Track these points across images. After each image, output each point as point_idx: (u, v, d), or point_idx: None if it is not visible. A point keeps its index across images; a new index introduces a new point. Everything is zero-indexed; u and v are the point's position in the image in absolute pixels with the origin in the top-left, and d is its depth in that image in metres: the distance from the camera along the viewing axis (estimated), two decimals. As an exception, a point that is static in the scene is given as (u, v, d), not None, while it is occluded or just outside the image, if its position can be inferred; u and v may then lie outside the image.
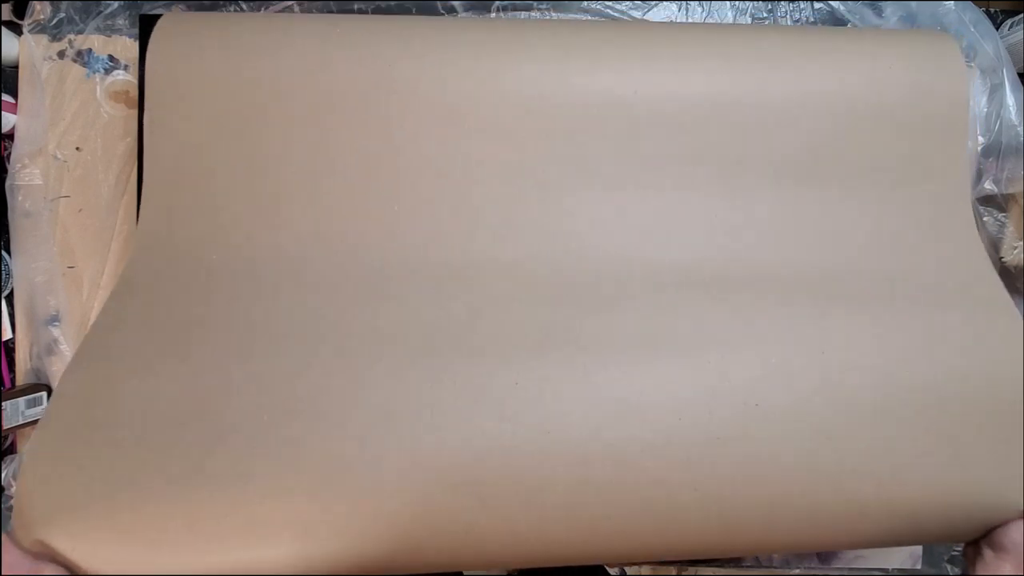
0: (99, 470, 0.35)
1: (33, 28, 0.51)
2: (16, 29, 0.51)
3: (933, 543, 0.54)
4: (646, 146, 0.46)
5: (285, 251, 0.45)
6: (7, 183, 0.50)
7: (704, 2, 0.54)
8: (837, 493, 0.37)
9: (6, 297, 0.50)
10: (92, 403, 0.37)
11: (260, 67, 0.45)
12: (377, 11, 0.53)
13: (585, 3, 0.53)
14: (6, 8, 0.51)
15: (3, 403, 0.47)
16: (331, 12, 0.53)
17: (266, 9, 0.52)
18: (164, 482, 0.35)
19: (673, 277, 0.44)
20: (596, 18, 0.54)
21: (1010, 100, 0.51)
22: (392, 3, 0.53)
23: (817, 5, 0.54)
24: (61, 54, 0.51)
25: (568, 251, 0.45)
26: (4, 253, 0.50)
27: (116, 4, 0.51)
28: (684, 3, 0.54)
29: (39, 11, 0.51)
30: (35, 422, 0.49)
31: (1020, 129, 0.51)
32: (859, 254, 0.45)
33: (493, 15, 0.54)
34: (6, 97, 0.50)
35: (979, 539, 0.38)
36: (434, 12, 0.53)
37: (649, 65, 0.46)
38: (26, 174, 0.50)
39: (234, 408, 0.37)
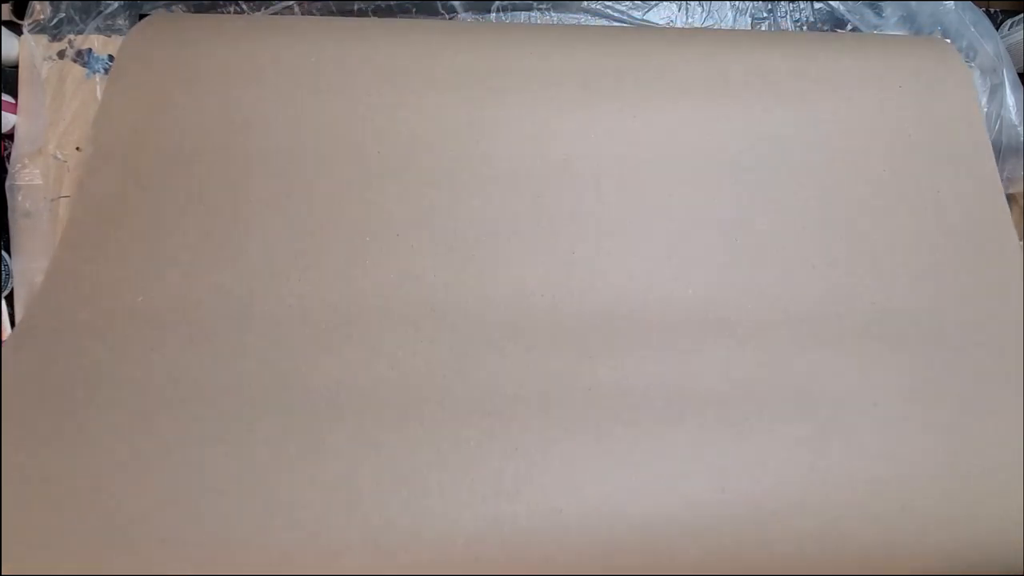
0: None
1: (33, 28, 0.51)
2: (16, 29, 0.51)
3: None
4: (652, 175, 0.42)
5: (229, 291, 0.37)
6: (7, 183, 0.50)
7: (704, 2, 0.54)
8: (916, 562, 0.31)
9: (6, 297, 0.50)
10: None
11: (230, 85, 0.41)
12: (377, 11, 0.53)
13: (585, 3, 0.53)
14: (6, 8, 0.51)
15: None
16: (331, 12, 0.53)
17: (265, 9, 0.52)
18: None
19: (691, 316, 0.38)
20: (595, 19, 0.54)
21: (1010, 100, 0.51)
22: (392, 3, 0.53)
23: (817, 5, 0.54)
24: (61, 54, 0.51)
25: (571, 287, 0.38)
26: (4, 253, 0.50)
27: (116, 4, 0.51)
28: (684, 3, 0.54)
29: (39, 11, 0.51)
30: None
31: (1020, 129, 0.50)
32: (899, 291, 0.40)
33: (493, 15, 0.54)
34: (6, 97, 0.50)
35: None
36: (434, 12, 0.53)
37: (649, 93, 0.44)
38: (26, 174, 0.50)
39: (140, 490, 0.30)
